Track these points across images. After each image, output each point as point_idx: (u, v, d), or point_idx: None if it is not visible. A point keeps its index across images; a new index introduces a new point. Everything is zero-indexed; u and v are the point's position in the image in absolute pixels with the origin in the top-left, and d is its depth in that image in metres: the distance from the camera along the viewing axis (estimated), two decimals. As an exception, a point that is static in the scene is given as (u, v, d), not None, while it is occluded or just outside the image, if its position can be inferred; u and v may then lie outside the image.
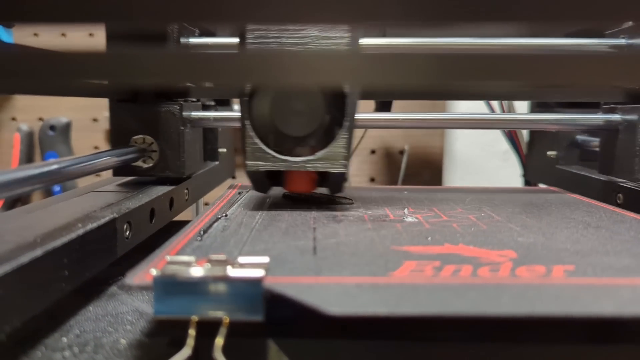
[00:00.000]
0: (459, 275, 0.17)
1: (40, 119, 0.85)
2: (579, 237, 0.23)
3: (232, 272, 0.16)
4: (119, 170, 0.36)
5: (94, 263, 0.23)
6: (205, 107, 0.45)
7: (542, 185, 0.53)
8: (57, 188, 0.75)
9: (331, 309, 0.14)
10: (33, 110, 0.86)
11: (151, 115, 0.36)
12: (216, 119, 0.39)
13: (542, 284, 0.16)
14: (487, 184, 0.76)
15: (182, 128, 0.36)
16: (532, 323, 0.14)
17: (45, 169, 0.24)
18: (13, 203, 0.77)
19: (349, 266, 0.18)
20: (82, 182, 0.58)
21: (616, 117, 0.37)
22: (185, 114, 0.37)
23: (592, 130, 0.42)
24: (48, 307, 0.20)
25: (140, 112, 0.36)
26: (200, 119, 0.38)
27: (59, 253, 0.20)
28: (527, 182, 0.60)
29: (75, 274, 0.21)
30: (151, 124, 0.36)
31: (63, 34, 0.84)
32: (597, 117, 0.38)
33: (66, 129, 0.83)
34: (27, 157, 0.84)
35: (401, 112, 0.40)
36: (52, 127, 0.82)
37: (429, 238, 0.23)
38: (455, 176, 0.77)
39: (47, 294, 0.19)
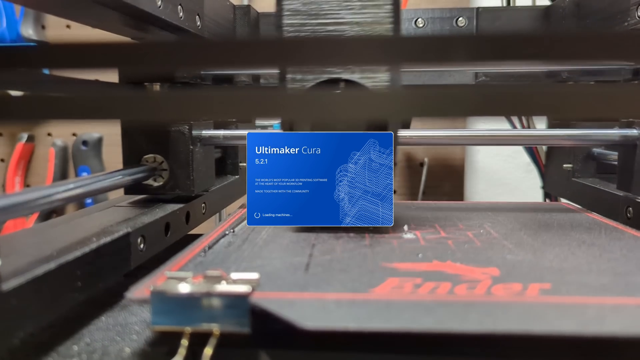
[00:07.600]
0: (436, 292, 0.18)
1: (74, 135, 0.89)
2: (568, 255, 0.23)
3: (220, 288, 0.17)
4: (130, 188, 0.36)
5: (108, 274, 0.25)
6: (226, 124, 0.46)
7: (561, 199, 0.52)
8: (88, 200, 0.78)
9: (306, 323, 0.16)
10: (67, 125, 0.90)
11: (162, 134, 0.36)
12: (226, 137, 0.40)
13: (513, 302, 0.17)
14: (510, 196, 0.75)
15: (192, 147, 0.37)
16: (496, 340, 0.15)
17: (62, 187, 0.26)
18: (49, 214, 0.81)
19: (334, 282, 0.19)
20: (112, 195, 0.62)
21: (634, 132, 0.36)
22: (195, 132, 0.37)
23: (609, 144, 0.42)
24: (66, 316, 0.22)
25: (151, 131, 0.36)
26: (211, 137, 0.39)
27: (72, 266, 0.22)
28: (547, 195, 0.60)
29: (89, 285, 0.23)
30: (161, 143, 0.36)
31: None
32: (614, 133, 0.37)
33: (98, 143, 0.86)
34: (62, 171, 0.88)
35: (422, 128, 0.41)
36: (84, 142, 0.85)
37: (420, 255, 0.24)
38: (478, 188, 0.77)
39: (60, 303, 0.21)
